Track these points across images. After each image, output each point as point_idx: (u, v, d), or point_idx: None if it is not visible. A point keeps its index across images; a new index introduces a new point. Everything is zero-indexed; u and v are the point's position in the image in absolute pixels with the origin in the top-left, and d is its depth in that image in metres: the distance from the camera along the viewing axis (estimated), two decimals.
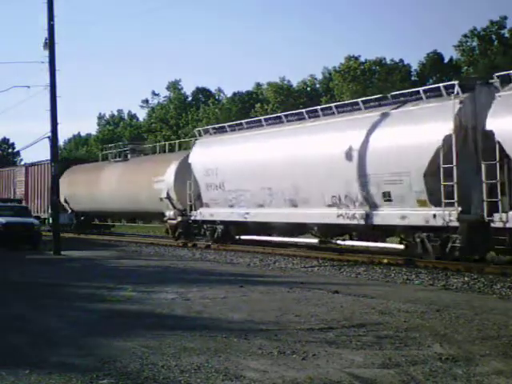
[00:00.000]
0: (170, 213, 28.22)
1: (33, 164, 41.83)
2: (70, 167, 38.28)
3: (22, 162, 61.36)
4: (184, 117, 69.91)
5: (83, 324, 9.16)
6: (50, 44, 23.05)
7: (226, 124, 27.19)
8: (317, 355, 7.02)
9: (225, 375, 6.26)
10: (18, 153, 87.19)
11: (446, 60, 54.14)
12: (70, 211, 37.06)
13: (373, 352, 7.14)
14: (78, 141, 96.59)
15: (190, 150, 28.08)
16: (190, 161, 26.60)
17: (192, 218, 26.32)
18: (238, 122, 26.55)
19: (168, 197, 28.03)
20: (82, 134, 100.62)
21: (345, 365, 6.62)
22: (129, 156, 34.29)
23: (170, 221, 28.42)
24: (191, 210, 26.45)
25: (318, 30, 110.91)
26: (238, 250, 23.53)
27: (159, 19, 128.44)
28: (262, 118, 25.16)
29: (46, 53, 23.15)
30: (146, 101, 79.79)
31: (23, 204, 34.54)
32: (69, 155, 69.98)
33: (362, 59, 54.93)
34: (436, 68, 53.87)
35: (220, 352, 7.19)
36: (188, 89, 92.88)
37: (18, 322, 9.47)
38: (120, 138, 76.03)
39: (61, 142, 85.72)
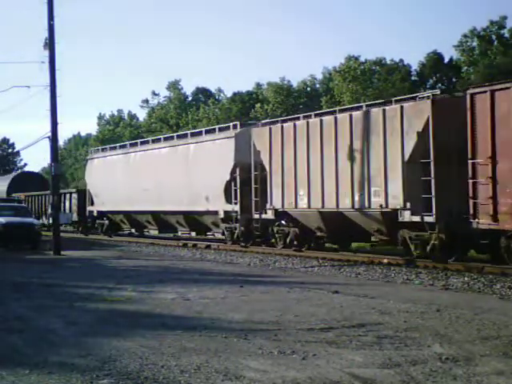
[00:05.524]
0: None
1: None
2: None
3: (22, 162, 59.21)
4: (184, 117, 69.84)
5: (83, 324, 9.16)
6: (50, 44, 23.07)
7: None
8: (317, 355, 7.02)
9: (225, 375, 6.26)
10: (18, 153, 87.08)
11: (446, 60, 53.95)
12: None
13: (373, 352, 7.14)
14: (78, 141, 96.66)
15: None
16: None
17: None
18: None
19: None
20: (82, 134, 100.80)
21: (345, 365, 6.62)
22: None
23: None
24: None
25: (317, 30, 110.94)
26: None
27: (159, 19, 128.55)
28: None
29: (46, 53, 23.18)
30: (146, 101, 79.70)
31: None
32: None
33: (362, 59, 54.86)
34: (436, 68, 53.76)
35: (220, 352, 7.19)
36: (188, 89, 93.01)
37: (17, 322, 9.46)
38: (120, 138, 76.09)
39: (61, 142, 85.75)
